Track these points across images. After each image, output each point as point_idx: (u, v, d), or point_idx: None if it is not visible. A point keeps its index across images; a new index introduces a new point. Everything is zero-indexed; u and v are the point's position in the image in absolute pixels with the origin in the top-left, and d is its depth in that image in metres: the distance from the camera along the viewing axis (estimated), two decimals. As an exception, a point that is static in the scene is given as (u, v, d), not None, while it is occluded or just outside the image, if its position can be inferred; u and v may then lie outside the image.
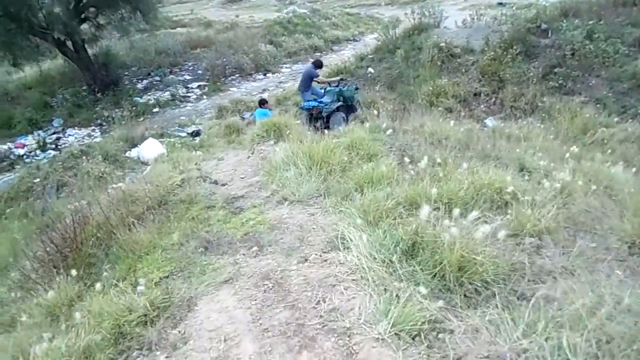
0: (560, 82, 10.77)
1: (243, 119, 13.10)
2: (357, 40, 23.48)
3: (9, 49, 14.94)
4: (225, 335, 2.42)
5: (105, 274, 3.51)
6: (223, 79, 18.14)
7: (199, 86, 17.68)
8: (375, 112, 6.76)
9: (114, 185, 8.85)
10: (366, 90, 13.26)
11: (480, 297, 2.44)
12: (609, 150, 7.44)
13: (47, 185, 9.49)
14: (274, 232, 3.47)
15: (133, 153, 10.69)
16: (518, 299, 2.42)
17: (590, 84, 10.48)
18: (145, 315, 2.68)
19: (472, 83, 11.92)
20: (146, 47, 20.29)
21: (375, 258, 2.64)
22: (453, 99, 11.67)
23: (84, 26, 17.11)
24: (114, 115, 15.07)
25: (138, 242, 3.80)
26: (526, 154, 5.48)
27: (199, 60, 19.38)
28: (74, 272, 3.43)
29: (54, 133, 15.05)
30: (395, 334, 2.18)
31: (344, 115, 10.42)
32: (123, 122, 14.95)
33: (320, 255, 2.95)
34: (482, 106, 11.42)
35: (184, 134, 12.40)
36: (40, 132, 15.05)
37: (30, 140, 14.18)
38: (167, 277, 3.17)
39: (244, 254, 3.24)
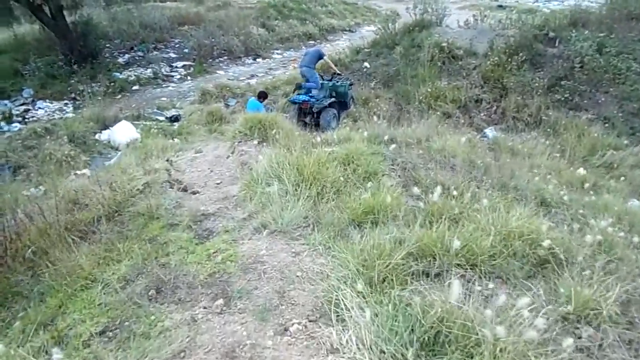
0: (566, 95, 10.17)
1: (228, 106, 12.23)
2: (353, 31, 22.62)
3: (-24, 10, 13.74)
4: None
5: (24, 313, 2.73)
6: (210, 60, 17.15)
7: (184, 66, 16.66)
8: (375, 117, 5.98)
9: (78, 172, 8.05)
10: (360, 86, 12.52)
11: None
12: (622, 178, 6.85)
13: (2, 164, 8.51)
14: (247, 277, 2.71)
15: (104, 136, 9.73)
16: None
17: (599, 101, 9.89)
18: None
19: (474, 88, 11.25)
20: (131, 19, 19.07)
21: (383, 352, 1.92)
22: (452, 103, 10.99)
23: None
24: (89, 90, 14.00)
25: (76, 270, 3.02)
26: (541, 180, 4.81)
27: (186, 38, 18.30)
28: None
29: (22, 104, 13.90)
30: None
31: (335, 112, 9.70)
32: (99, 97, 13.98)
33: (305, 326, 2.22)
34: (482, 114, 10.77)
35: (162, 118, 11.46)
36: (7, 102, 13.90)
37: (-6, 110, 13.03)
38: (101, 333, 2.40)
39: (205, 308, 2.48)
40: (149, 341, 2.24)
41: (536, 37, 11.77)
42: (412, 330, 1.98)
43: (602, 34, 11.08)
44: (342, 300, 2.26)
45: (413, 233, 2.79)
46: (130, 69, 16.31)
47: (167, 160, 5.64)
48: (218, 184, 4.88)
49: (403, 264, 2.49)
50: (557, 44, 11.56)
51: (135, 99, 14.02)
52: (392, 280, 2.37)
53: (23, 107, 13.64)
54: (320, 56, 9.90)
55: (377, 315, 2.10)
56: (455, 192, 3.45)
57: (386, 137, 4.64)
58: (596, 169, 7.74)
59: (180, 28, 19.35)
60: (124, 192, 4.20)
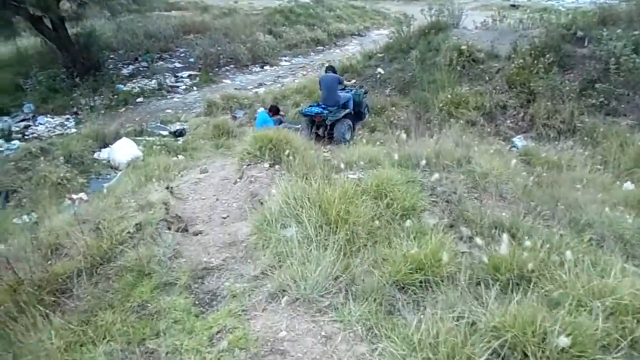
0: (601, 99, 9.31)
1: (235, 118, 11.57)
2: (362, 35, 21.93)
3: (-24, 24, 13.24)
4: None
5: None
6: (216, 69, 16.55)
7: (189, 76, 16.07)
8: (404, 134, 5.22)
9: (74, 196, 7.39)
10: (375, 94, 11.79)
11: None
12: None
13: (-4, 191, 7.88)
14: (262, 378, 1.99)
15: (103, 154, 9.08)
16: None
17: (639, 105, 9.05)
18: None
19: (498, 94, 10.44)
20: (135, 29, 18.56)
21: None
22: (475, 110, 10.20)
23: (66, 4, 15.40)
24: (91, 104, 13.44)
25: (40, 357, 2.32)
26: (612, 209, 4.01)
27: (191, 47, 17.71)
28: None
29: (22, 120, 13.36)
30: None
31: (350, 123, 9.00)
32: (101, 112, 13.39)
33: None
34: (508, 121, 9.97)
35: (165, 133, 10.80)
36: (7, 118, 13.36)
37: (-6, 128, 12.46)
38: None
39: None
40: None
41: (563, 37, 10.93)
42: None
43: (636, 32, 10.23)
44: None
45: (487, 311, 2.04)
46: (134, 81, 15.79)
47: (167, 188, 4.98)
48: (224, 218, 4.18)
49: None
50: (586, 44, 10.72)
51: (139, 112, 13.43)
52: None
53: (23, 123, 13.10)
54: (340, 81, 9.10)
55: None
56: (527, 240, 2.67)
57: (423, 162, 3.88)
58: (646, 183, 6.91)
59: (186, 37, 18.84)
60: (112, 236, 3.49)
